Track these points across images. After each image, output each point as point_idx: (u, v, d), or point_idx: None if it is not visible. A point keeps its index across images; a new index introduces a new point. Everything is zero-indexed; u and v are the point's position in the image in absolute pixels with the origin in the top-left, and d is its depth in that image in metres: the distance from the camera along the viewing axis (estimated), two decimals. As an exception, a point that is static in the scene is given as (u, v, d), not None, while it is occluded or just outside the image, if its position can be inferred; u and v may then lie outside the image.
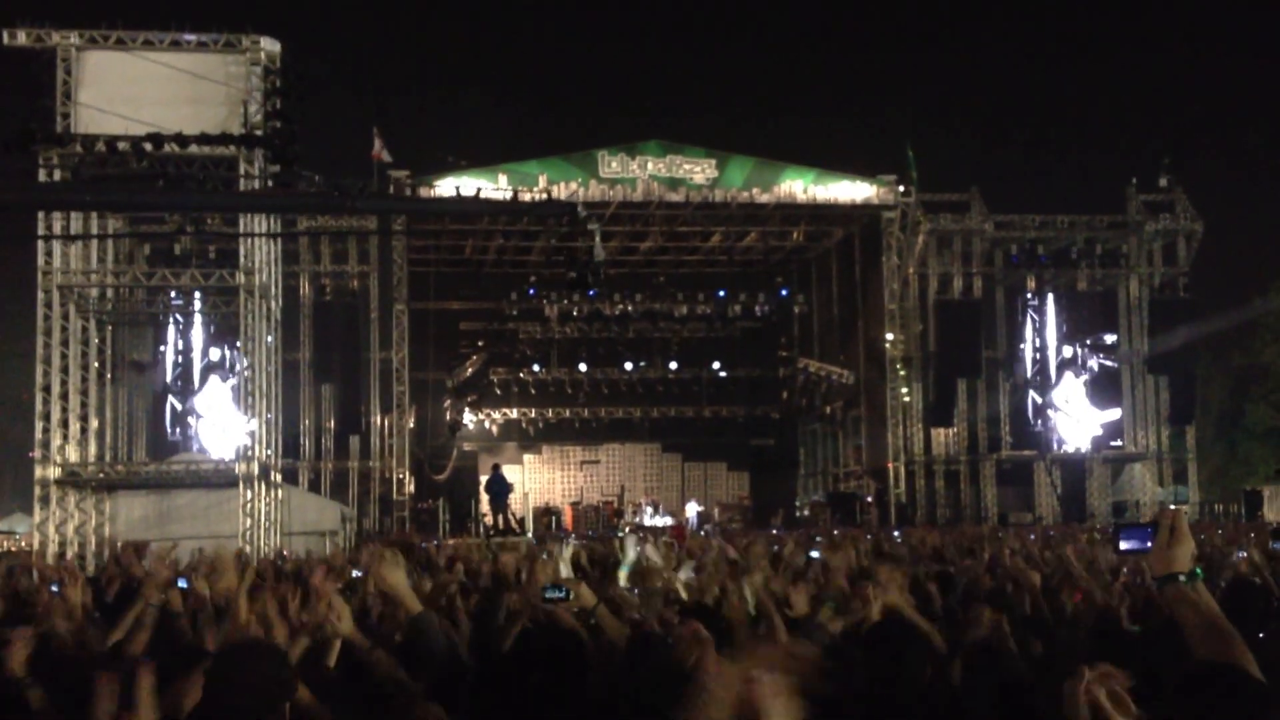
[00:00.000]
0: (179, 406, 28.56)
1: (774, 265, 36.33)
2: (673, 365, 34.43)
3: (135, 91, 20.04)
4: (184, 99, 20.24)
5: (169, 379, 28.55)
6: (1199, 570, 2.92)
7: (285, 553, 18.43)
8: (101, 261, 23.56)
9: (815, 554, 10.55)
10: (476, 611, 6.24)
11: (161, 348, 28.79)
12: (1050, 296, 33.64)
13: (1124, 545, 3.50)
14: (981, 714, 4.21)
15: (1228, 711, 2.47)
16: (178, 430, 28.32)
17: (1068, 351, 33.79)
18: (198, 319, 27.66)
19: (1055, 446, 33.05)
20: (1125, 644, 5.07)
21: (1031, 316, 33.83)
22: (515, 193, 24.24)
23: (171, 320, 28.21)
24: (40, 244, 20.72)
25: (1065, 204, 33.77)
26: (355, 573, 8.95)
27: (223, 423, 26.35)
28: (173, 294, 26.15)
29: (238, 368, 23.83)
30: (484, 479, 29.60)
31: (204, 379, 28.34)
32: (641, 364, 34.28)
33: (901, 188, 31.48)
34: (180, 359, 28.78)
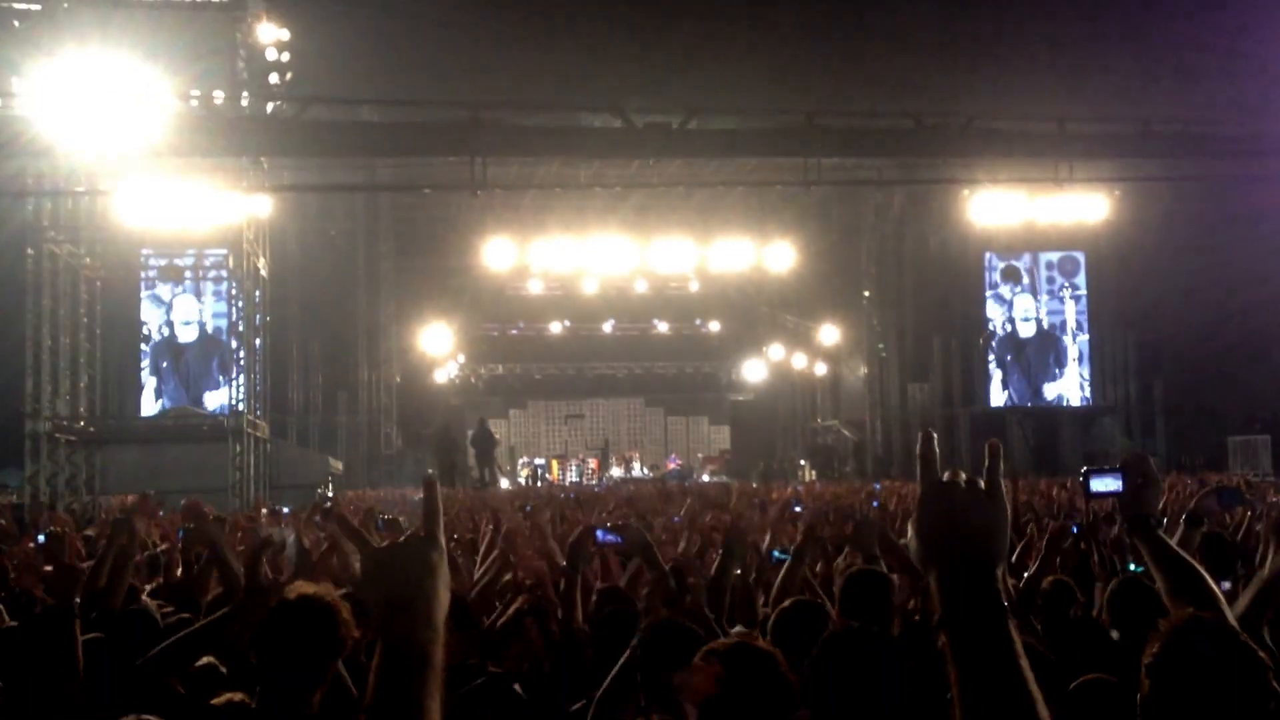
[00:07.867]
0: (171, 361, 28.70)
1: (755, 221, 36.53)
2: (654, 321, 34.84)
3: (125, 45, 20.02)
4: (174, 53, 20.28)
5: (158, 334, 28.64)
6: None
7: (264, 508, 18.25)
8: (91, 216, 23.63)
9: (799, 508, 11.06)
10: None
11: (157, 307, 28.85)
12: (1025, 253, 34.15)
13: (1095, 488, 3.66)
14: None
15: (1207, 660, 2.45)
16: (168, 383, 28.48)
17: (1041, 306, 34.37)
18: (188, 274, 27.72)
19: (1024, 400, 33.74)
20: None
21: (1005, 272, 34.33)
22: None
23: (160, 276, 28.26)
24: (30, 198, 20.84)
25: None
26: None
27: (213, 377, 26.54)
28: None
29: (227, 323, 24.10)
30: (470, 433, 30.05)
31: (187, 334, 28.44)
32: (625, 320, 34.67)
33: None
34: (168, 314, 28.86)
